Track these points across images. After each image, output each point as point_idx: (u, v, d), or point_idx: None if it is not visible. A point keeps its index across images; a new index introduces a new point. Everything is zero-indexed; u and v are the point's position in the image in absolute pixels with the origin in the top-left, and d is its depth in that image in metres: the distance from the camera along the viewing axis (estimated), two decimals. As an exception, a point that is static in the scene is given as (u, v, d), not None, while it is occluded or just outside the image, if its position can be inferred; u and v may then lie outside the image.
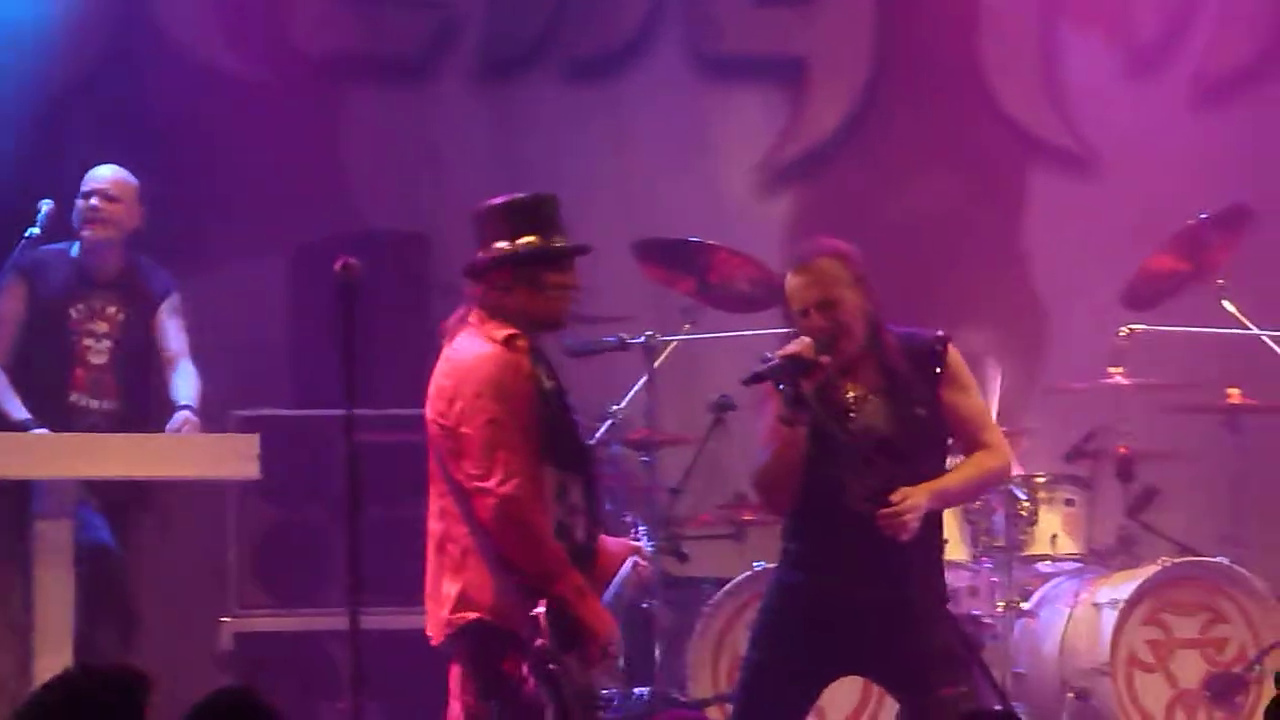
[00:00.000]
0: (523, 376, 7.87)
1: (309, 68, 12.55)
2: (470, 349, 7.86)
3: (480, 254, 7.92)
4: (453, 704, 7.84)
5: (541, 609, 7.60)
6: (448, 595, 7.89)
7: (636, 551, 8.46)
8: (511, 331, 7.83)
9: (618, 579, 8.30)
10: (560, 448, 7.98)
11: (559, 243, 7.92)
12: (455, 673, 7.87)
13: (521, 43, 12.78)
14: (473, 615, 7.77)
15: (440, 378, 7.90)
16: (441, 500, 7.90)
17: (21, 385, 10.51)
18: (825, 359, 8.13)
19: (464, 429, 7.75)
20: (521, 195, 8.10)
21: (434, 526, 7.93)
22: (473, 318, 7.91)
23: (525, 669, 7.67)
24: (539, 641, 7.59)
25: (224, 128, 12.03)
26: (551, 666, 7.60)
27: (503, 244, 7.87)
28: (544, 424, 7.91)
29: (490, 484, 7.67)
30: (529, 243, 7.84)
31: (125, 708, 5.39)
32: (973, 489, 9.07)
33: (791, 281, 8.42)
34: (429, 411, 7.86)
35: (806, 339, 8.15)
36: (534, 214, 8.06)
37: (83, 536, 9.96)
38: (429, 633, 7.90)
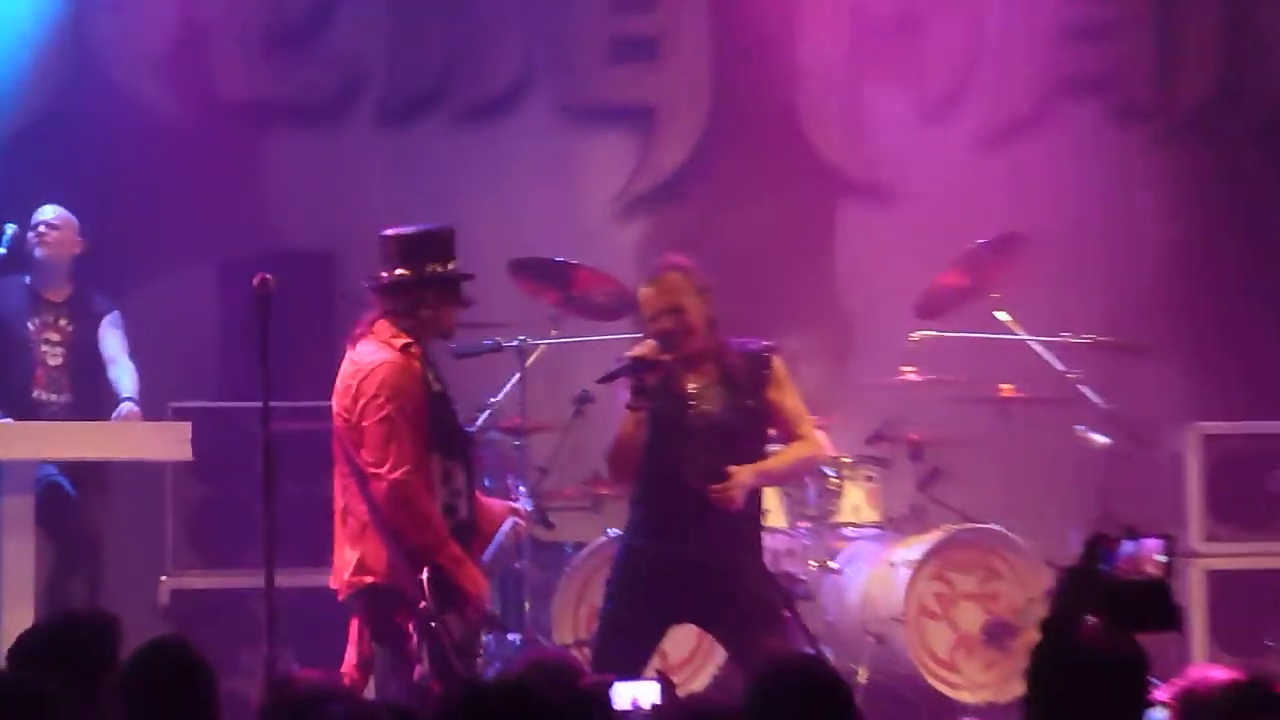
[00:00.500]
0: (414, 379, 8.27)
1: (235, 112, 12.51)
2: (371, 354, 8.24)
3: (386, 274, 8.28)
4: (350, 650, 8.28)
5: (425, 575, 8.07)
6: (348, 561, 8.31)
7: (515, 512, 9.00)
8: (407, 340, 8.23)
9: (499, 535, 8.71)
10: (445, 440, 8.42)
11: (455, 271, 8.35)
12: (354, 624, 8.35)
13: (416, 92, 12.76)
14: (369, 579, 8.21)
15: (345, 377, 8.28)
16: (344, 480, 8.29)
17: None
18: (667, 357, 8.57)
19: (364, 423, 8.16)
20: (427, 227, 8.54)
21: (338, 501, 8.34)
22: (376, 327, 8.27)
23: (410, 625, 8.11)
24: (422, 604, 8.04)
25: (161, 163, 11.98)
26: (432, 624, 8.03)
27: (408, 269, 8.24)
28: (431, 420, 8.31)
29: (383, 470, 8.12)
30: (433, 270, 8.25)
31: (100, 647, 5.80)
32: (790, 472, 9.60)
33: (644, 291, 8.82)
34: (335, 405, 8.25)
35: (651, 341, 8.62)
36: (436, 244, 8.45)
37: (41, 479, 10.21)
38: (333, 587, 8.34)
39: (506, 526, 8.94)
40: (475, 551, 8.53)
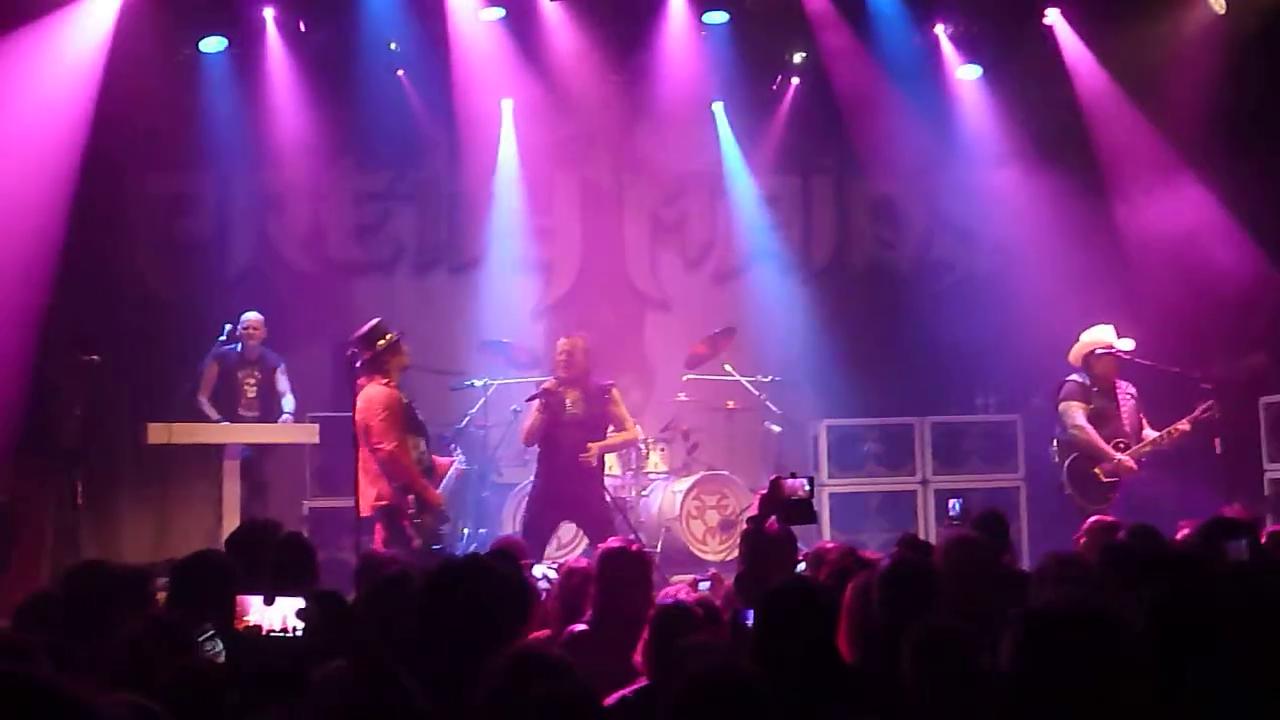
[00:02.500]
0: (396, 398, 8.79)
1: (339, 266, 12.40)
2: (373, 389, 8.75)
3: (368, 349, 8.76)
4: (377, 539, 8.61)
5: (411, 497, 8.65)
6: (369, 494, 8.71)
7: (453, 465, 9.53)
8: (388, 379, 8.82)
9: (448, 476, 9.26)
10: (414, 427, 8.90)
11: (389, 341, 8.81)
12: (377, 528, 8.73)
13: (431, 256, 12.69)
14: (383, 502, 8.70)
15: (362, 401, 8.66)
16: (364, 452, 8.63)
17: (217, 404, 10.84)
18: (559, 383, 9.39)
19: (371, 423, 8.66)
20: (370, 324, 8.90)
21: (364, 464, 8.64)
22: (371, 378, 8.76)
23: (405, 523, 8.62)
24: (410, 511, 8.61)
25: (303, 292, 11.86)
26: (417, 521, 8.59)
27: (369, 349, 8.76)
28: (405, 418, 8.81)
29: (384, 446, 8.64)
30: (380, 344, 8.81)
31: (269, 537, 5.74)
32: (620, 447, 10.15)
33: (560, 342, 9.59)
34: (358, 415, 8.62)
35: (551, 380, 9.50)
36: (376, 333, 8.89)
37: (245, 452, 10.41)
38: (365, 513, 8.68)
39: (452, 471, 9.43)
40: (435, 484, 8.92)
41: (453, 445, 10.64)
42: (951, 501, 6.91)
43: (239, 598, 3.43)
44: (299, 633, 3.37)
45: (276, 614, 3.39)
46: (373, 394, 8.73)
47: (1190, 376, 9.83)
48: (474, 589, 3.96)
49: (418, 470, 8.76)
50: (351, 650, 3.49)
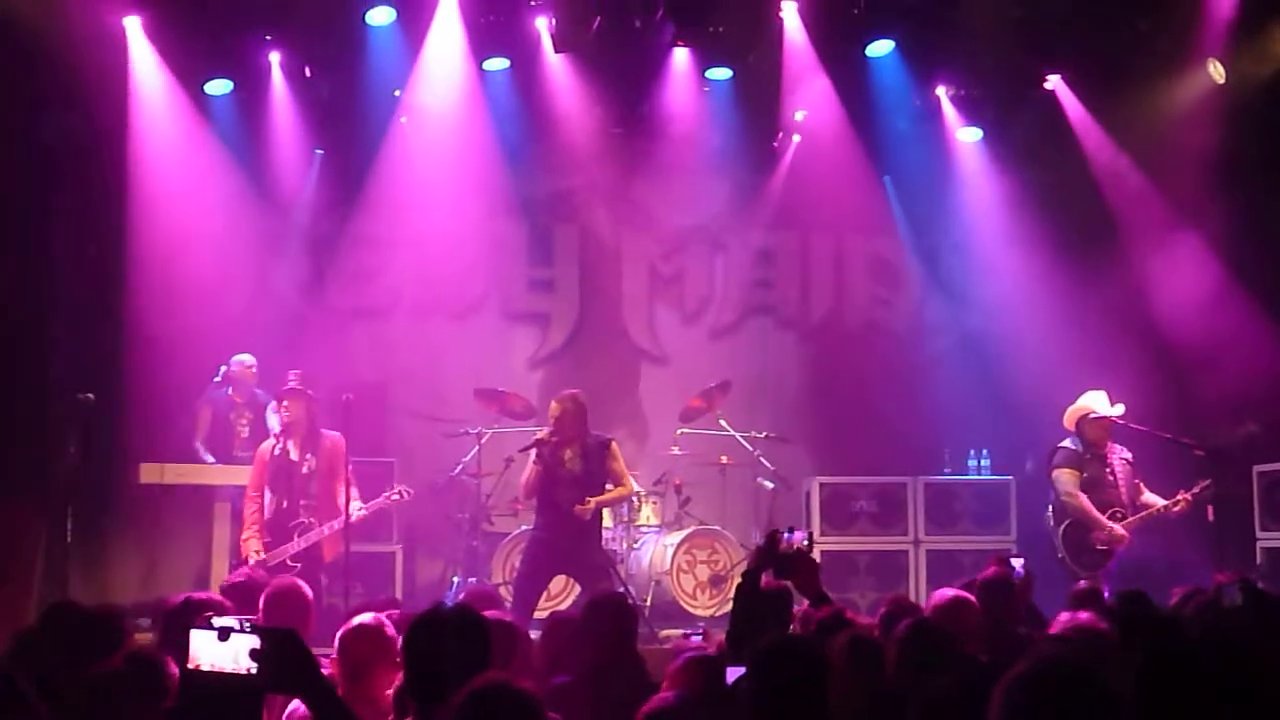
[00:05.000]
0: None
1: (339, 311, 12.35)
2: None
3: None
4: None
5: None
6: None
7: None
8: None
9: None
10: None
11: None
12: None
13: (430, 304, 12.57)
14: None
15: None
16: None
17: (210, 447, 10.76)
18: (554, 438, 9.19)
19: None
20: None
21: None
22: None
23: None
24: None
25: (303, 335, 11.73)
26: None
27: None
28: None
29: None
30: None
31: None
32: (615, 502, 9.98)
33: (552, 404, 9.39)
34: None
35: (545, 430, 9.31)
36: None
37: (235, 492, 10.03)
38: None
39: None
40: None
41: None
42: (1015, 560, 6.87)
43: (191, 632, 3.31)
44: (251, 671, 3.26)
45: (229, 651, 3.29)
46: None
47: (1183, 443, 9.83)
48: (436, 637, 4.00)
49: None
50: (304, 690, 3.47)
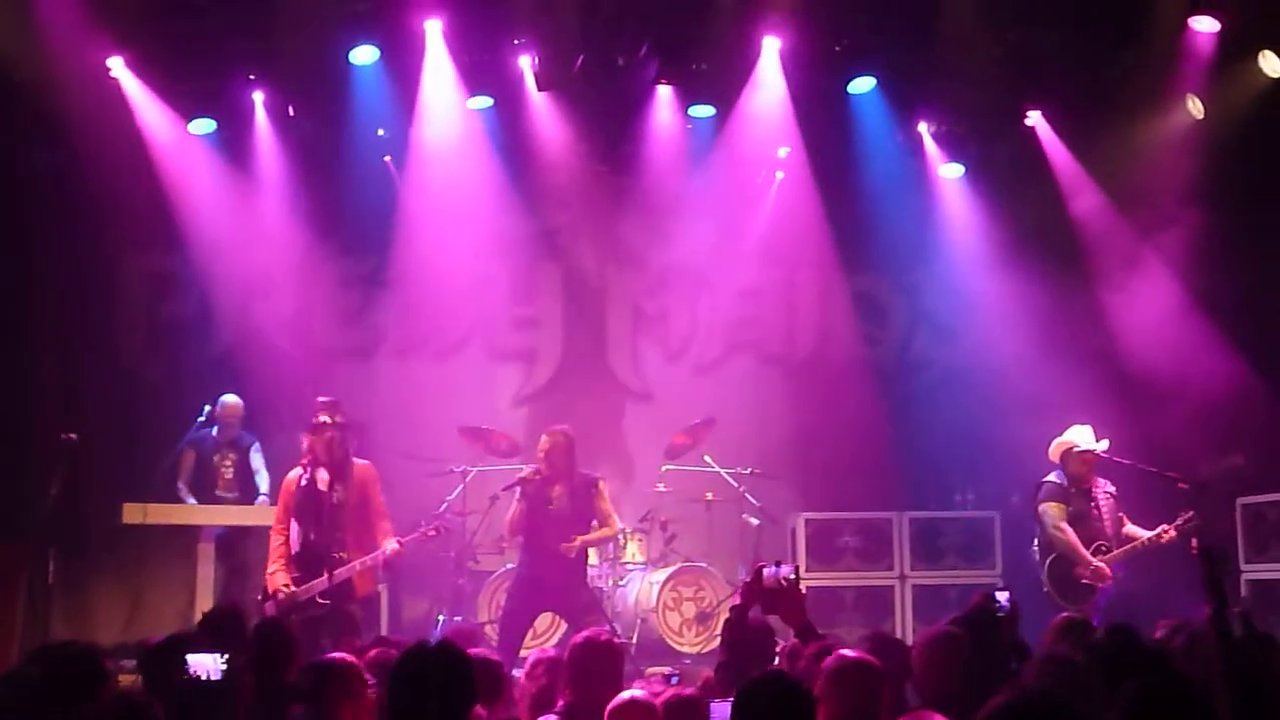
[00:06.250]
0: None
1: (323, 352, 12.29)
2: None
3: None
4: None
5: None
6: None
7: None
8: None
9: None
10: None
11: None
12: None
13: (411, 343, 12.56)
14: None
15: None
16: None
17: (193, 488, 10.82)
18: (538, 475, 9.18)
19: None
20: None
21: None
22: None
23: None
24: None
25: (286, 375, 11.62)
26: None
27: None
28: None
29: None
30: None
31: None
32: (601, 541, 9.96)
33: (542, 439, 9.37)
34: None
35: (532, 466, 9.29)
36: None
37: (220, 533, 10.40)
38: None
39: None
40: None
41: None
42: (1000, 594, 6.86)
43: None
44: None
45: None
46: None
47: (1168, 477, 9.78)
48: (419, 673, 4.05)
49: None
50: None
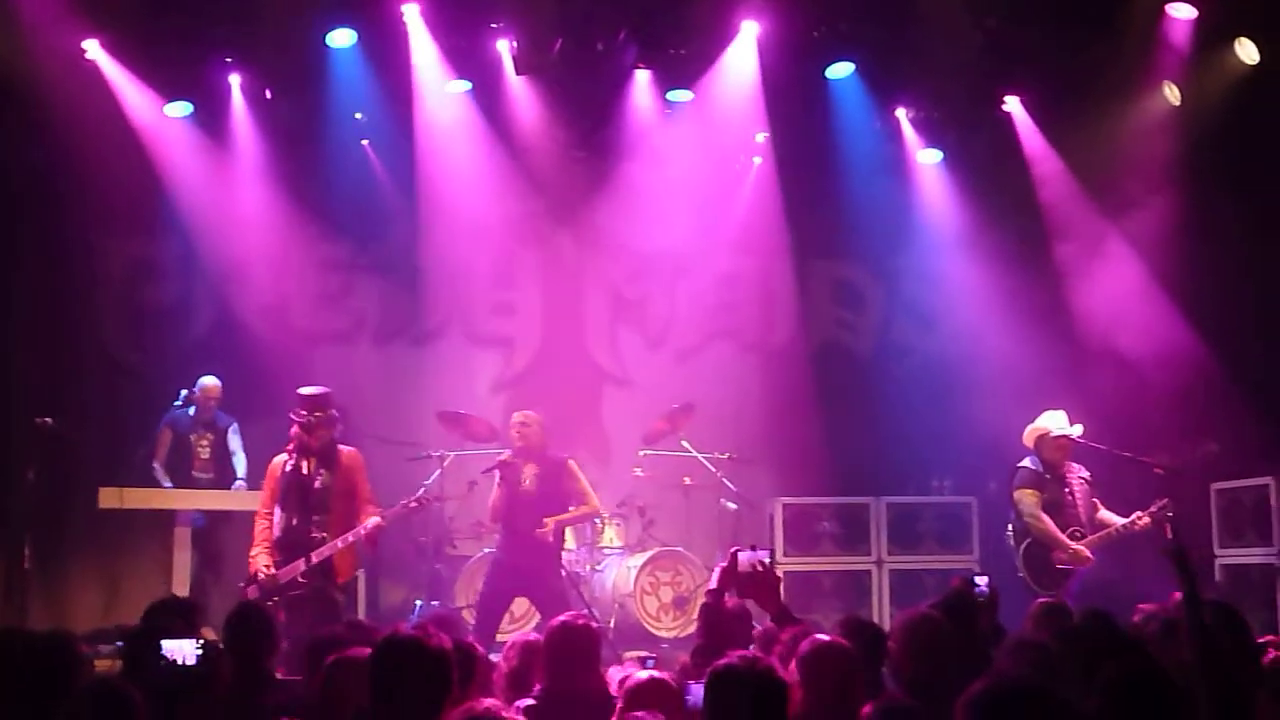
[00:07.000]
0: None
1: (302, 336, 12.26)
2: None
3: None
4: None
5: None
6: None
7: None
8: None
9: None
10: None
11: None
12: None
13: (393, 328, 12.65)
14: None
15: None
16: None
17: (168, 469, 10.87)
18: (515, 459, 9.31)
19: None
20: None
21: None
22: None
23: None
24: None
25: (265, 359, 11.50)
26: None
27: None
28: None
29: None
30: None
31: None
32: (577, 521, 10.01)
33: (514, 416, 9.55)
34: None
35: (508, 451, 9.41)
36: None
37: (196, 518, 10.43)
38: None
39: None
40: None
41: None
42: (979, 579, 6.86)
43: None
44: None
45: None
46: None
47: (1143, 462, 9.82)
48: (396, 661, 4.08)
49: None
50: None
